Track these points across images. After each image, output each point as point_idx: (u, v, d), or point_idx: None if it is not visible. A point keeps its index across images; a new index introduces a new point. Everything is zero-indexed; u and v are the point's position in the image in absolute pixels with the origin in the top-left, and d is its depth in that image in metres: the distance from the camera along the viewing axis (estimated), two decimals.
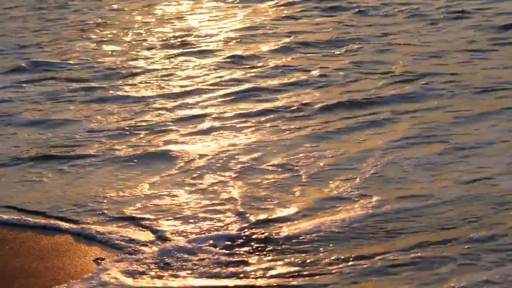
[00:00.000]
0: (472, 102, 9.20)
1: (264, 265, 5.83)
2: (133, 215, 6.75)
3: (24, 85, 11.26)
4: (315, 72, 10.86)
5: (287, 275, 5.69)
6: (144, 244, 6.21)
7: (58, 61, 12.65)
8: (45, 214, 6.86)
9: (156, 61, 12.26)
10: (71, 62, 12.52)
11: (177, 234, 6.35)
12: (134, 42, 13.72)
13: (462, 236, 6.04)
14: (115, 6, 17.56)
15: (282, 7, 15.91)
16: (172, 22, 15.20)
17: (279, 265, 5.83)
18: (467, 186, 6.97)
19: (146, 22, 15.48)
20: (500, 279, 5.44)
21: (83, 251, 6.24)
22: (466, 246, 5.89)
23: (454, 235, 6.08)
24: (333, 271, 5.71)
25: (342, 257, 5.89)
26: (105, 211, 6.85)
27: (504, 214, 6.37)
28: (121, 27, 15.20)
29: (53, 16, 16.97)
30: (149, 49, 13.10)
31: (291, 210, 6.73)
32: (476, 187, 6.96)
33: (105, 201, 7.08)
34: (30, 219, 6.77)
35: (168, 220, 6.62)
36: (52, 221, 6.69)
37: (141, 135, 8.81)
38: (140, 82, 11.07)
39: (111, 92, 10.69)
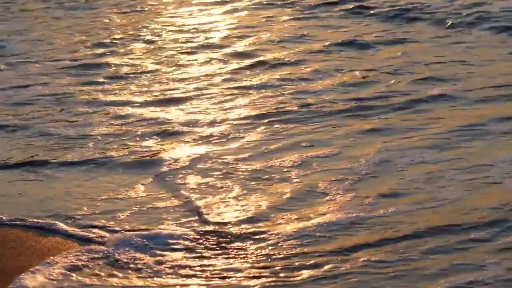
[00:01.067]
0: (479, 103, 9.25)
1: (226, 266, 5.91)
2: (123, 218, 6.84)
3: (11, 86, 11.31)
4: (325, 73, 10.91)
5: (249, 276, 5.75)
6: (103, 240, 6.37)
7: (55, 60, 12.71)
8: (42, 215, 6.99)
9: (164, 62, 12.26)
10: (73, 61, 12.55)
11: (144, 235, 6.43)
12: (141, 44, 13.70)
13: (459, 235, 6.10)
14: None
15: (293, 9, 15.82)
16: (190, 23, 15.07)
17: (244, 267, 5.89)
18: (465, 185, 7.01)
19: (162, 24, 15.38)
20: (491, 279, 5.49)
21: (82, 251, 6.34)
22: (462, 246, 5.94)
23: (451, 234, 6.13)
24: (316, 273, 5.77)
25: (329, 257, 5.93)
26: (95, 214, 6.94)
27: (504, 213, 6.41)
28: (136, 27, 15.16)
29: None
30: (160, 49, 13.07)
31: (275, 210, 6.77)
32: (476, 186, 6.99)
33: (98, 204, 7.16)
34: (30, 219, 6.87)
35: (146, 221, 6.73)
36: (51, 221, 6.80)
37: (135, 139, 8.83)
38: (143, 84, 11.09)
39: (109, 93, 10.75)
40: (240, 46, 12.86)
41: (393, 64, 11.13)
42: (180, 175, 7.67)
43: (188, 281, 5.73)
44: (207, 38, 13.58)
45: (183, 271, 5.85)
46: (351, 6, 15.07)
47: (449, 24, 13.33)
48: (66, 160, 8.27)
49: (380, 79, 10.45)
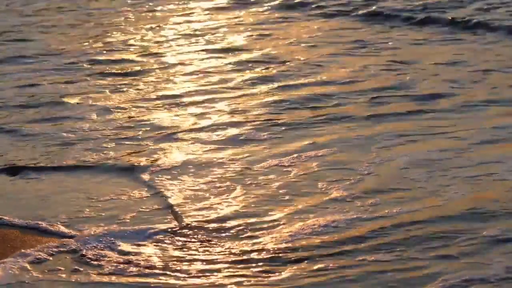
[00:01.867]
0: (488, 103, 9.23)
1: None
2: (120, 219, 6.83)
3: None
4: (335, 74, 10.90)
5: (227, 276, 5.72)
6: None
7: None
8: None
9: (170, 62, 12.29)
10: (75, 61, 12.59)
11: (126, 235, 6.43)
12: (149, 43, 13.74)
13: (459, 234, 6.06)
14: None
15: (309, 12, 15.85)
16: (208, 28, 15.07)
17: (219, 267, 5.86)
18: (469, 183, 6.97)
19: (174, 24, 15.41)
20: (491, 278, 5.46)
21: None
22: (462, 245, 5.90)
23: (451, 233, 6.09)
24: (313, 273, 5.72)
25: (326, 257, 5.89)
26: (94, 215, 6.94)
27: (506, 211, 6.38)
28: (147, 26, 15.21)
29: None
30: (169, 50, 13.10)
31: (273, 210, 6.72)
32: (479, 184, 6.95)
33: (99, 205, 7.15)
34: (30, 220, 6.89)
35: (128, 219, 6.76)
36: (50, 222, 6.82)
37: (134, 140, 8.82)
38: (147, 84, 11.08)
39: (111, 93, 10.75)
40: (254, 48, 12.86)
41: (407, 65, 11.11)
42: (170, 176, 7.64)
43: (150, 279, 5.70)
44: (219, 40, 13.62)
45: (148, 271, 5.81)
46: (366, 11, 15.09)
47: (464, 24, 13.31)
48: (66, 161, 8.27)
49: (393, 81, 10.43)
